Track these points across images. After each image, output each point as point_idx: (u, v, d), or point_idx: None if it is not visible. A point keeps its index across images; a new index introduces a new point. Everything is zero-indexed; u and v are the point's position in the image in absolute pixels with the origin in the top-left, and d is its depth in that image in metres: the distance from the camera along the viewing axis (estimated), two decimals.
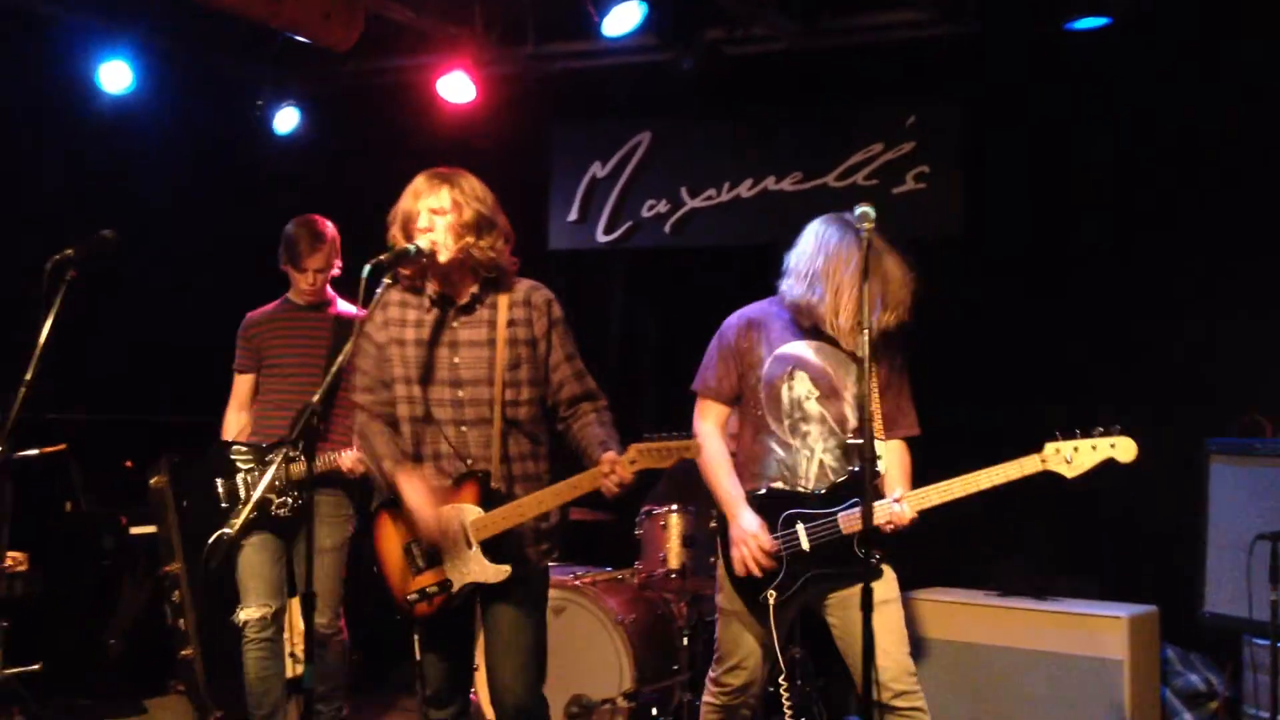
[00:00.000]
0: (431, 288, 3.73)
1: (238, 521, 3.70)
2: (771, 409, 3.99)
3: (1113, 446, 3.68)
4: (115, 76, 6.46)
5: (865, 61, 6.37)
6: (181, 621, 6.06)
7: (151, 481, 6.16)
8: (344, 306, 5.15)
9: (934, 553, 5.47)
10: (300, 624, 6.27)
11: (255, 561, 4.90)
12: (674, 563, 5.32)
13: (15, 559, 5.68)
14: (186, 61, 6.92)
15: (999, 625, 5.09)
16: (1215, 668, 5.20)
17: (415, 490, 3.61)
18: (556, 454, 3.85)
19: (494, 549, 3.61)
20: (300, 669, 6.29)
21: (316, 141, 7.18)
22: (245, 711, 5.11)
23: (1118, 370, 5.65)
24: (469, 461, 3.65)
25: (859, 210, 3.51)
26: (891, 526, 3.78)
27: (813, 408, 3.97)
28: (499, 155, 6.28)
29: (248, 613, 4.93)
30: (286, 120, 7.02)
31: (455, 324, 3.71)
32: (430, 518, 3.59)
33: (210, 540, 4.67)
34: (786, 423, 3.97)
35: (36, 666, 5.82)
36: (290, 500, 4.81)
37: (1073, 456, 3.68)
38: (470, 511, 3.61)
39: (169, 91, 6.80)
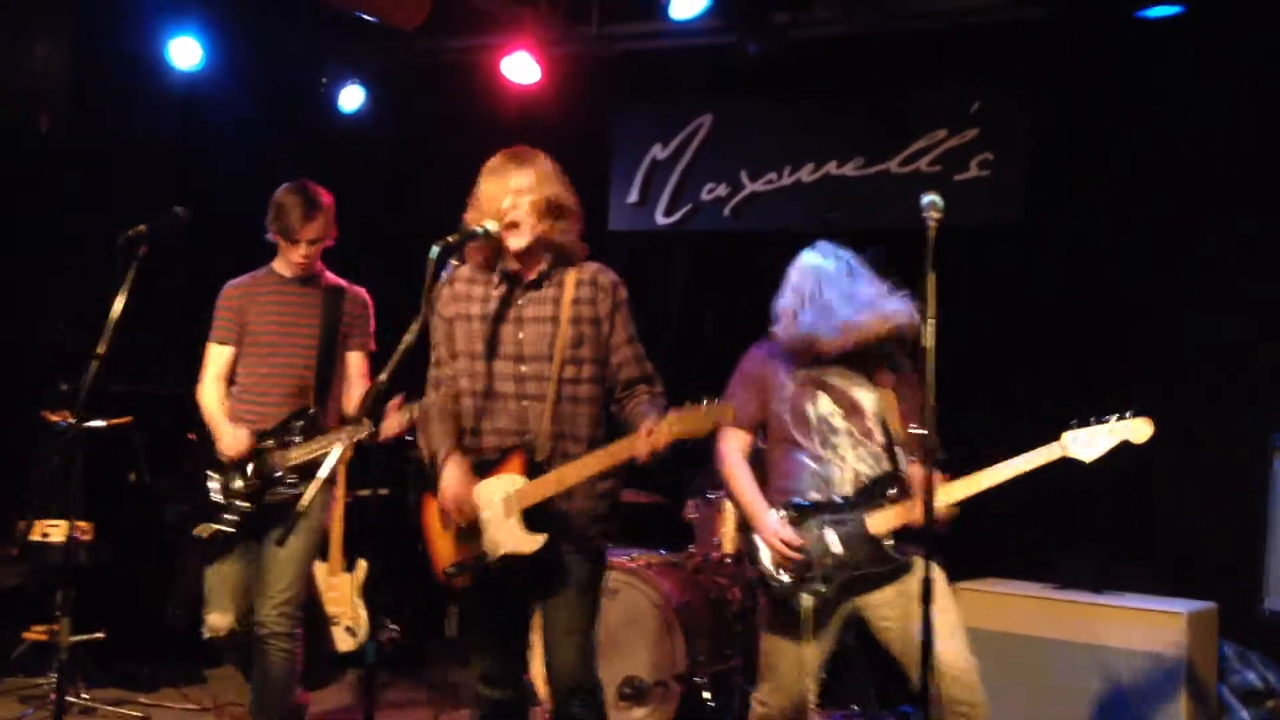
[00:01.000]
0: (501, 265, 3.76)
1: (307, 495, 3.65)
2: (799, 427, 4.08)
3: (1128, 428, 3.76)
4: (185, 52, 6.55)
5: (931, 46, 6.32)
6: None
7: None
8: (334, 279, 4.83)
9: (991, 544, 5.46)
10: (357, 598, 6.38)
11: (228, 569, 4.63)
12: (729, 547, 5.34)
13: (81, 529, 5.80)
14: (254, 38, 6.99)
15: (1056, 618, 5.06)
16: (1273, 665, 5.14)
17: (450, 471, 3.67)
18: (609, 441, 3.80)
19: (533, 519, 3.61)
20: (355, 642, 6.41)
21: (380, 120, 7.24)
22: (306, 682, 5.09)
23: (1182, 362, 5.59)
24: (526, 436, 3.67)
25: (926, 199, 3.47)
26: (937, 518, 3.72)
27: (838, 423, 4.06)
28: (561, 136, 6.27)
29: (213, 622, 4.65)
30: (352, 98, 7.08)
31: (521, 300, 3.74)
32: (450, 491, 3.64)
33: (201, 531, 4.57)
34: (816, 438, 4.06)
35: (100, 635, 5.95)
36: (285, 488, 4.55)
37: (1090, 441, 3.76)
38: (514, 482, 3.62)
39: (237, 68, 6.88)
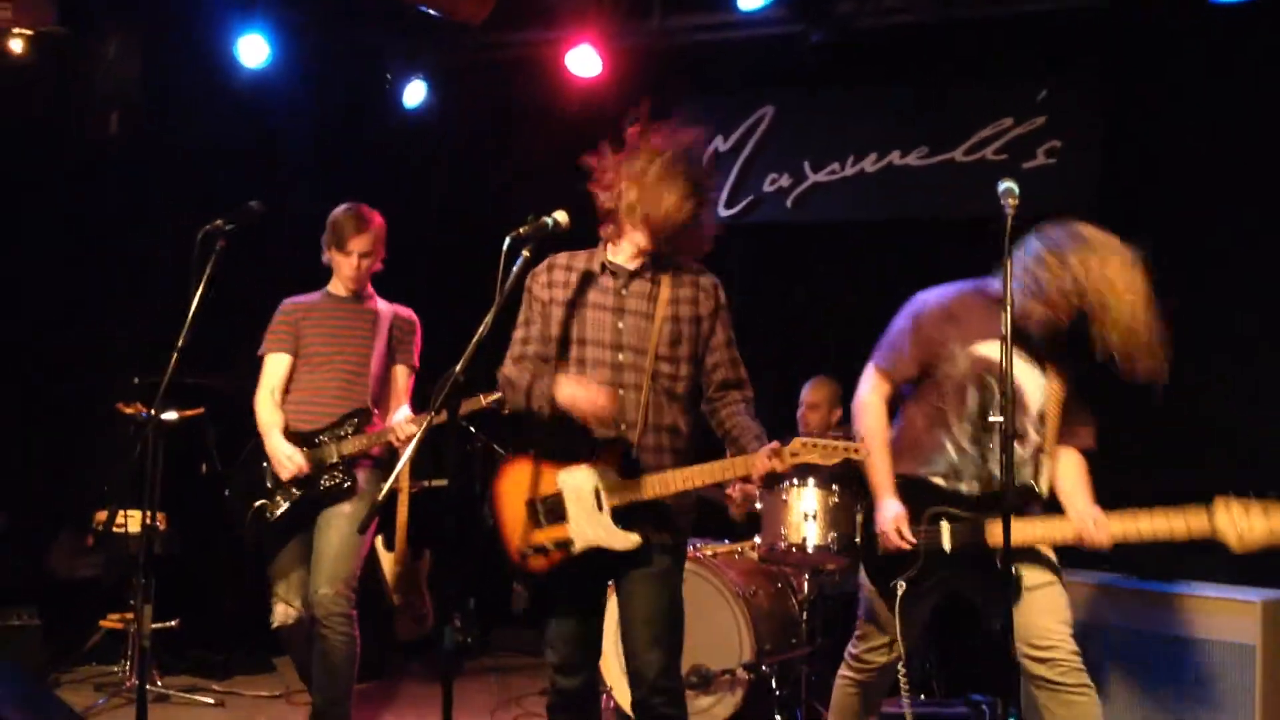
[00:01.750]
0: (601, 254, 3.79)
1: (390, 481, 3.67)
2: (954, 407, 3.87)
3: None
4: (253, 50, 6.64)
5: (995, 35, 6.26)
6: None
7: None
8: (383, 303, 5.06)
9: None
10: (424, 586, 6.44)
11: (289, 558, 4.85)
12: (794, 537, 5.31)
13: (157, 519, 5.89)
14: (320, 35, 7.06)
15: (1129, 607, 5.02)
16: None
17: (575, 382, 3.62)
18: (698, 438, 3.84)
19: (624, 517, 3.62)
20: (421, 631, 6.48)
21: (444, 115, 7.29)
22: (366, 671, 5.14)
23: (1252, 357, 5.51)
24: (621, 426, 3.67)
25: (1004, 185, 3.44)
26: (1085, 545, 3.71)
27: (995, 418, 3.76)
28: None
29: (279, 615, 4.87)
30: (415, 94, 7.14)
31: (625, 291, 3.75)
32: (598, 394, 3.58)
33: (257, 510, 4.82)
34: (968, 426, 3.86)
35: (174, 623, 6.05)
36: (339, 475, 4.75)
37: (1243, 526, 3.54)
38: (607, 475, 3.64)
39: (304, 65, 6.97)
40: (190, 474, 6.37)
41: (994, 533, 3.70)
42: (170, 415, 5.86)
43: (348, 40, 7.21)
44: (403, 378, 5.03)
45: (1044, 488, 3.88)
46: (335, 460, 4.75)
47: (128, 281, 6.74)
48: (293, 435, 4.81)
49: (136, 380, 6.10)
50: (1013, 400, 3.47)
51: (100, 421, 6.34)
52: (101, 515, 6.11)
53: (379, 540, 6.29)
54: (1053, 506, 3.90)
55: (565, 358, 3.76)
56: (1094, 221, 5.93)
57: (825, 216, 6.75)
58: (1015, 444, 3.74)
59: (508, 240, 3.57)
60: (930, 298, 3.98)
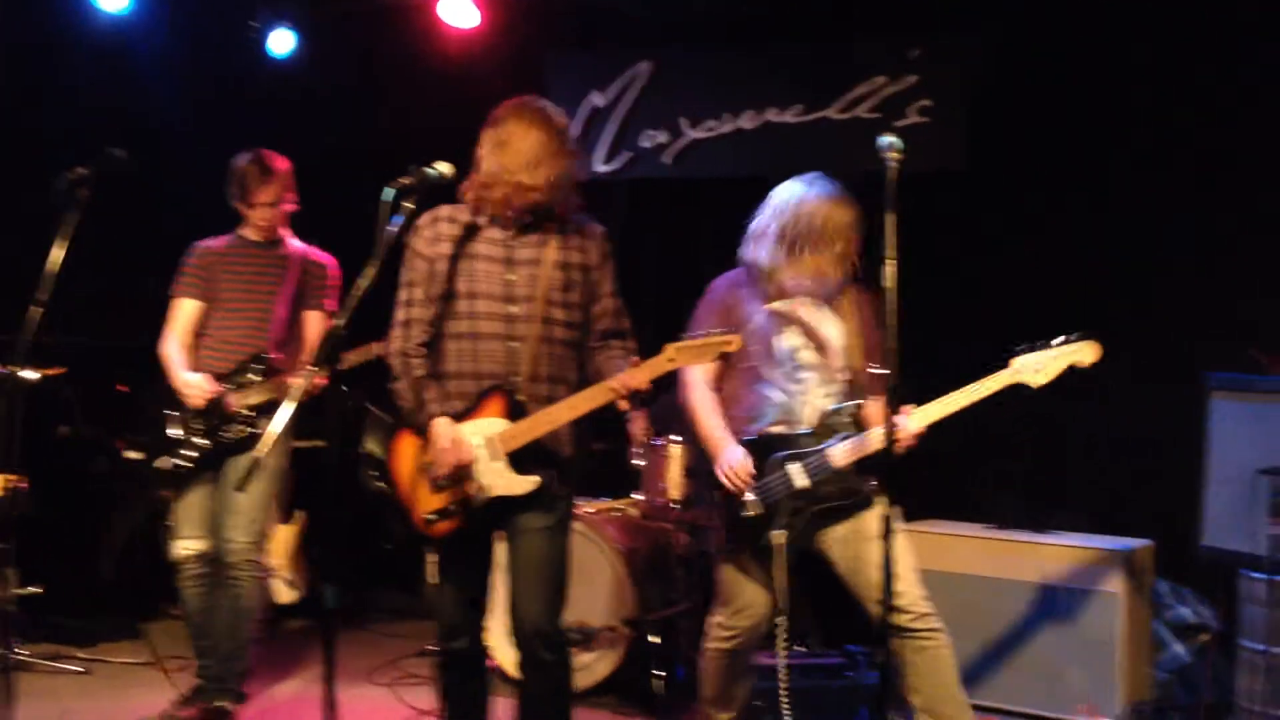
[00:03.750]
0: (490, 208, 3.72)
1: (264, 444, 3.59)
2: (765, 359, 4.07)
3: (1076, 351, 3.81)
4: None
5: None
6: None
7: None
8: (298, 245, 5.03)
9: (931, 486, 5.54)
10: (297, 551, 6.33)
11: (192, 500, 4.86)
12: (674, 494, 5.36)
13: (17, 481, 5.67)
14: None
15: (995, 557, 5.16)
16: (1206, 601, 5.28)
17: (444, 431, 3.62)
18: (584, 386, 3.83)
19: (521, 460, 3.61)
20: (295, 594, 6.37)
21: (313, 65, 7.09)
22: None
23: (1119, 305, 5.68)
24: (512, 378, 3.64)
25: (885, 140, 3.49)
26: (900, 443, 3.79)
27: (806, 357, 4.08)
28: (499, 82, 6.19)
29: (182, 548, 4.88)
30: (282, 42, 6.93)
31: (513, 242, 3.72)
32: (447, 449, 3.60)
33: (159, 464, 4.79)
34: (780, 370, 4.07)
35: (38, 589, 5.84)
36: (243, 428, 4.76)
37: (1040, 365, 3.80)
38: (495, 425, 3.61)
39: (166, 11, 6.71)
40: (49, 435, 6.16)
41: (837, 455, 3.94)
42: (30, 374, 5.62)
43: None
44: (314, 323, 4.97)
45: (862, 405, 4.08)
46: (235, 411, 4.74)
47: None
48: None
49: None
50: (816, 344, 4.02)
51: None
52: None
53: None
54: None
55: (454, 314, 3.70)
56: (962, 180, 6.08)
57: (704, 173, 6.75)
58: (833, 378, 4.08)
59: (390, 191, 3.49)
60: (717, 280, 4.25)
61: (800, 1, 6.50)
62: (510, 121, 3.71)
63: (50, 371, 5.78)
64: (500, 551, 3.83)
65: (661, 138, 6.84)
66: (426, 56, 6.77)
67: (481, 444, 3.62)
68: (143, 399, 5.83)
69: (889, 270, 3.35)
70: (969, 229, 5.99)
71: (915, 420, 3.84)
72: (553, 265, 3.69)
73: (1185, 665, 5.14)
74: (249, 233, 4.97)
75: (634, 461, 5.64)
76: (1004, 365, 3.86)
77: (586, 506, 5.55)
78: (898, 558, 3.74)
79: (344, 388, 5.56)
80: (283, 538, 6.35)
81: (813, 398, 4.06)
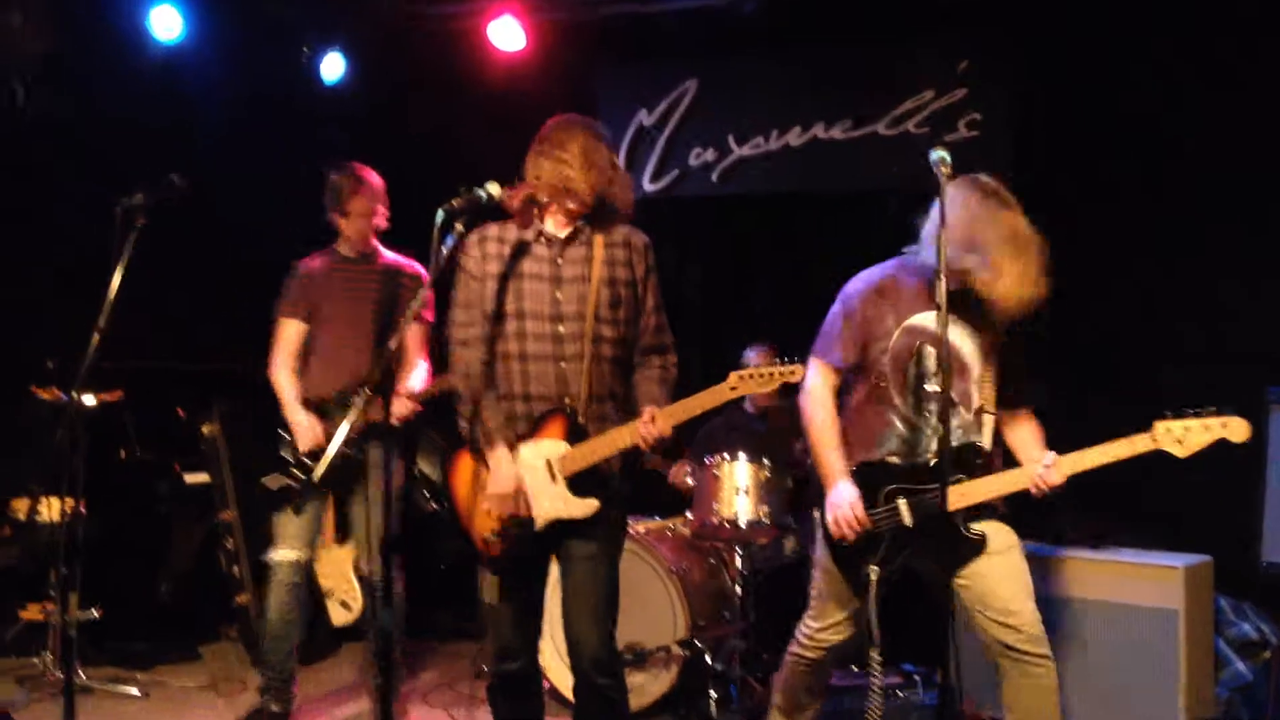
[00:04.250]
0: (535, 223, 3.74)
1: (319, 469, 3.65)
2: (896, 382, 3.89)
3: (1224, 426, 3.66)
4: (165, 23, 6.48)
5: (917, 8, 6.27)
6: (236, 568, 6.14)
7: (204, 429, 6.22)
8: (391, 256, 5.15)
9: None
10: (351, 573, 6.37)
11: (294, 515, 4.94)
12: (727, 512, 5.33)
13: (67, 504, 5.75)
14: (235, 8, 6.91)
15: (1054, 575, 5.09)
16: (1268, 617, 5.19)
17: (503, 462, 3.64)
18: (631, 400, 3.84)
19: (580, 484, 3.62)
20: (350, 616, 6.40)
21: (364, 88, 7.17)
22: (301, 656, 5.16)
23: (1175, 318, 5.62)
24: (565, 399, 3.65)
25: (935, 154, 3.45)
26: (1039, 490, 3.75)
27: (937, 385, 3.83)
28: (547, 102, 6.24)
29: (281, 554, 4.96)
30: (333, 67, 7.01)
31: (560, 260, 3.72)
32: (504, 492, 3.62)
33: (271, 483, 4.90)
34: (911, 399, 3.88)
35: (97, 613, 5.91)
36: (349, 451, 4.79)
37: (1184, 436, 3.66)
38: (556, 447, 3.62)
39: (218, 38, 6.81)
40: (109, 460, 6.23)
41: (954, 499, 3.73)
42: (89, 400, 5.71)
43: (263, 12, 7.05)
44: (415, 334, 5.05)
45: (987, 443, 3.91)
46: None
47: (40, 262, 6.55)
48: (309, 402, 4.94)
49: (51, 364, 5.94)
50: (950, 365, 3.56)
51: (15, 407, 6.16)
52: (19, 504, 5.95)
53: None
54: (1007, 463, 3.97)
55: (504, 334, 3.71)
56: (1011, 192, 6.02)
57: (751, 190, 6.75)
58: (960, 407, 3.87)
59: (440, 212, 3.52)
60: (859, 281, 4.01)
61: (848, 16, 6.47)
62: (557, 131, 3.74)
63: (108, 396, 5.86)
64: (554, 572, 3.83)
65: (709, 155, 6.85)
66: (475, 79, 6.82)
67: (541, 466, 3.62)
68: (198, 422, 5.93)
69: (940, 287, 3.32)
70: None
71: (1059, 472, 3.73)
72: (600, 282, 3.68)
73: (1248, 683, 5.06)
74: (343, 248, 5.09)
75: (673, 479, 5.64)
76: (1147, 427, 3.72)
77: (638, 526, 5.54)
78: (1016, 574, 3.80)
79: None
80: (338, 559, 6.38)
81: (940, 427, 3.73)
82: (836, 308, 4.00)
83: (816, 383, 3.97)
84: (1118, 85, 5.86)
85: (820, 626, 4.04)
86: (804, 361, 3.71)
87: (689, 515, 5.58)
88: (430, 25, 7.14)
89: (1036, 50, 6.07)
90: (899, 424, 3.90)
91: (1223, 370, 5.39)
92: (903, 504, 3.84)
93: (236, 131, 6.95)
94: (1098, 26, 5.87)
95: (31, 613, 5.85)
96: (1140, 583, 4.91)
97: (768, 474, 5.30)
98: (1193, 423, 3.65)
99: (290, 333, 5.06)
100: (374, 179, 5.07)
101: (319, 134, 7.22)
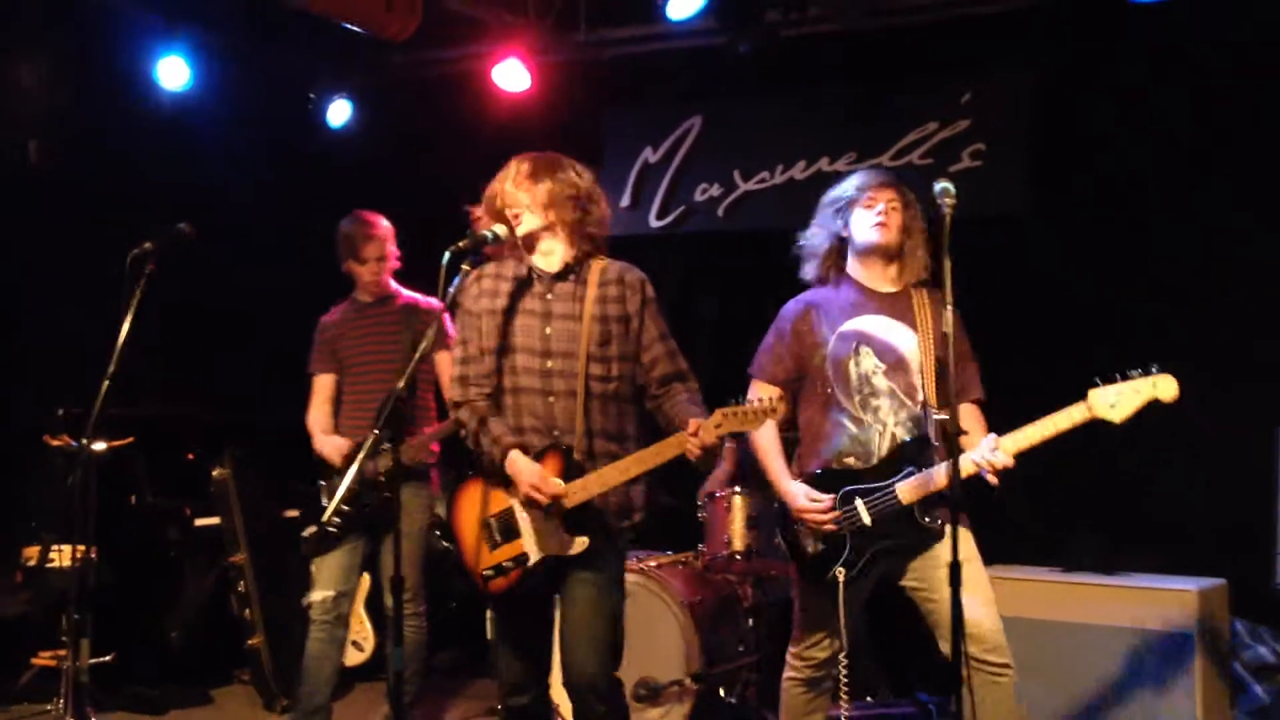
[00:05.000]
0: (525, 260, 3.76)
1: (329, 512, 3.68)
2: (841, 386, 3.99)
3: (1154, 386, 3.62)
4: (173, 73, 6.55)
5: (919, 40, 6.32)
6: (248, 611, 6.14)
7: (214, 473, 6.24)
8: (408, 295, 5.24)
9: (998, 530, 5.46)
10: (364, 612, 6.36)
11: (340, 550, 4.98)
12: (738, 545, 5.33)
13: (79, 550, 5.76)
14: (241, 57, 6.99)
15: (1066, 601, 5.08)
16: None
17: (520, 461, 3.63)
18: (646, 439, 3.80)
19: (573, 520, 3.61)
20: (363, 656, 6.39)
21: (371, 134, 7.24)
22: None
23: (1188, 344, 5.62)
24: (555, 433, 3.66)
25: (939, 186, 3.51)
26: (992, 473, 3.73)
27: (881, 382, 3.98)
28: (553, 143, 6.28)
29: (315, 594, 5.01)
30: (339, 113, 7.08)
31: (550, 295, 3.74)
32: (528, 477, 3.60)
33: (306, 534, 4.97)
34: (857, 398, 3.98)
35: (109, 658, 5.91)
36: (376, 496, 4.86)
37: (1116, 400, 3.63)
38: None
39: (225, 87, 6.89)
40: (120, 504, 6.24)
41: (904, 491, 3.85)
42: (100, 446, 5.73)
43: (269, 60, 7.14)
44: (446, 365, 4.93)
45: (933, 436, 3.98)
46: (374, 476, 4.87)
47: (50, 311, 6.59)
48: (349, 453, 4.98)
49: (62, 412, 5.97)
50: (889, 362, 3.92)
51: (26, 455, 6.19)
52: (31, 551, 5.96)
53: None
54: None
55: (501, 370, 3.73)
56: (1023, 222, 6.04)
57: (757, 225, 6.76)
58: (908, 400, 3.97)
59: (447, 254, 3.55)
60: (792, 301, 4.22)
61: (850, 50, 6.53)
62: (544, 158, 3.80)
63: (119, 443, 5.88)
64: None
65: (715, 191, 6.89)
66: (480, 122, 6.87)
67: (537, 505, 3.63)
68: (209, 467, 5.95)
69: (948, 316, 3.36)
70: (1030, 272, 5.94)
71: (1005, 452, 3.72)
72: (590, 319, 3.70)
73: (1265, 706, 5.04)
74: (362, 295, 5.23)
75: (699, 515, 5.63)
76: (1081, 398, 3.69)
77: (649, 560, 5.54)
78: (977, 584, 3.78)
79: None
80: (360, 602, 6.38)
81: (889, 426, 3.97)
82: (771, 329, 4.19)
83: (751, 399, 4.00)
84: (1120, 113, 5.89)
85: (805, 645, 4.09)
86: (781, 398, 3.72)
87: (700, 549, 5.57)
88: (435, 70, 7.23)
89: (1039, 79, 6.10)
90: (849, 425, 3.99)
91: (1234, 388, 5.40)
92: (860, 504, 3.89)
93: (244, 179, 7.01)
94: (1100, 55, 5.91)
95: (43, 659, 5.84)
96: (1155, 607, 4.89)
97: (778, 504, 5.29)
98: (1123, 386, 3.62)
99: (321, 385, 5.21)
100: (382, 224, 5.20)
101: (326, 180, 7.28)
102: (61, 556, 5.89)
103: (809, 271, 4.22)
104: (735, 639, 5.43)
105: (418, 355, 3.56)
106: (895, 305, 4.05)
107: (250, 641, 6.12)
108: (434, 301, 5.16)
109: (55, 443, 5.85)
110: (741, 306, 6.93)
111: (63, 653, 5.68)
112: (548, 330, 3.71)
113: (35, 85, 6.63)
